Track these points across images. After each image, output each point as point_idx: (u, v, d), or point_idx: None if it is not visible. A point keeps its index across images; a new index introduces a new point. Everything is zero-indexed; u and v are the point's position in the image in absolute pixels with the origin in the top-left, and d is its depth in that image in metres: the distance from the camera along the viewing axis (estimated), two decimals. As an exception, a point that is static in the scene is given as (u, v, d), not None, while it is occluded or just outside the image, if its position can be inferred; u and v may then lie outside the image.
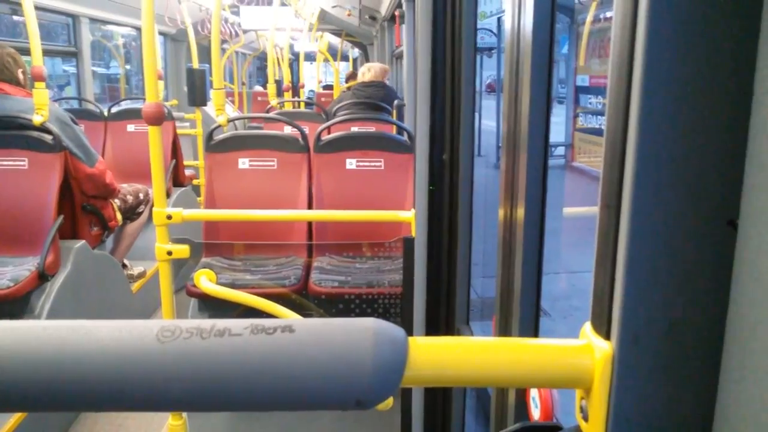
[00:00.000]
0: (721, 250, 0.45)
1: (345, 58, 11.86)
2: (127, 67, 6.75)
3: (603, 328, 0.48)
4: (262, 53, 11.44)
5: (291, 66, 11.16)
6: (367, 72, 4.17)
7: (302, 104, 6.68)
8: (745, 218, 0.43)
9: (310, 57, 12.68)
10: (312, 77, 11.79)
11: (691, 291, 0.46)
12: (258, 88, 11.92)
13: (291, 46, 9.81)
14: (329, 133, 2.98)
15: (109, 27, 6.09)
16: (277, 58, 7.22)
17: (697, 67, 0.43)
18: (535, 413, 0.92)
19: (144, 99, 3.99)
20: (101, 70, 6.91)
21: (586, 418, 0.49)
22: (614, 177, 0.46)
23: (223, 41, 7.24)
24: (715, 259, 0.45)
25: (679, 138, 0.44)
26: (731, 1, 0.42)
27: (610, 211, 0.47)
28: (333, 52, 9.05)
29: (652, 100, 0.43)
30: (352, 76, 7.20)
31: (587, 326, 0.51)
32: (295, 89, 8.41)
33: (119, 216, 3.20)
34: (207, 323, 0.45)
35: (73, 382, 0.43)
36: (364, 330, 0.45)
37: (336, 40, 9.82)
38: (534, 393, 0.93)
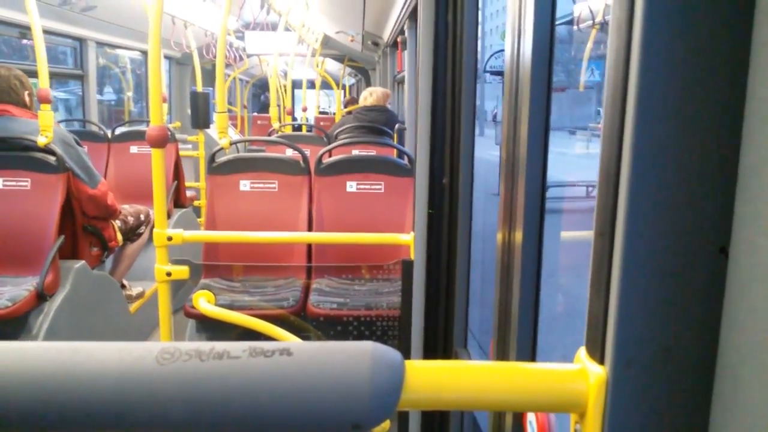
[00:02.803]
0: (713, 277, 0.46)
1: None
2: (129, 94, 6.81)
3: (597, 352, 0.49)
4: (258, 80, 11.56)
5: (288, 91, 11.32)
6: (369, 96, 4.21)
7: (303, 127, 6.75)
8: (737, 246, 0.44)
9: (307, 84, 12.85)
10: (311, 104, 11.96)
11: (683, 317, 0.47)
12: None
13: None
14: (330, 156, 3.00)
15: (115, 52, 6.15)
16: (283, 85, 7.32)
17: (690, 98, 0.44)
18: (532, 439, 0.92)
19: (146, 121, 4.00)
20: (97, 97, 6.94)
21: None
22: (608, 205, 0.47)
23: (228, 65, 7.33)
24: (707, 286, 0.46)
25: (671, 167, 0.45)
26: (723, 31, 0.43)
27: (604, 239, 0.48)
28: (332, 79, 9.20)
29: (645, 130, 0.44)
30: (351, 101, 7.32)
31: (582, 351, 0.51)
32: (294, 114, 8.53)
33: (120, 236, 3.20)
34: (206, 346, 0.46)
35: (73, 404, 0.43)
36: (362, 353, 0.46)
37: (334, 68, 9.95)
38: (531, 417, 0.93)
